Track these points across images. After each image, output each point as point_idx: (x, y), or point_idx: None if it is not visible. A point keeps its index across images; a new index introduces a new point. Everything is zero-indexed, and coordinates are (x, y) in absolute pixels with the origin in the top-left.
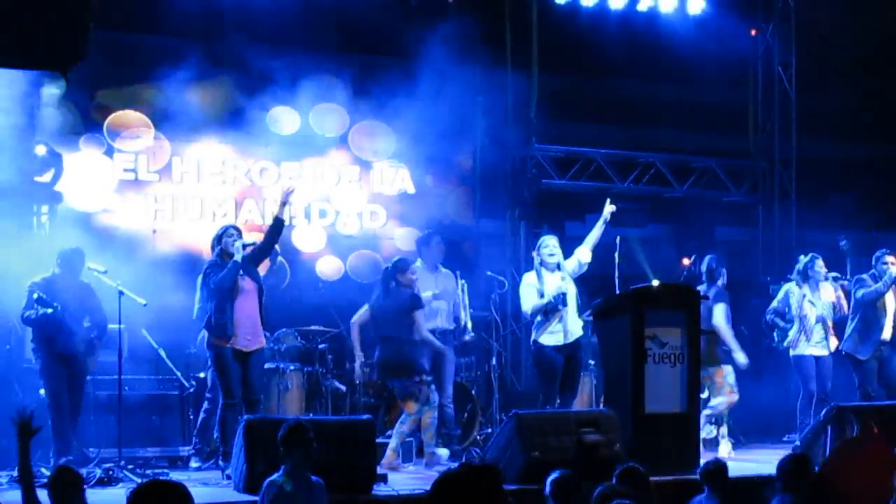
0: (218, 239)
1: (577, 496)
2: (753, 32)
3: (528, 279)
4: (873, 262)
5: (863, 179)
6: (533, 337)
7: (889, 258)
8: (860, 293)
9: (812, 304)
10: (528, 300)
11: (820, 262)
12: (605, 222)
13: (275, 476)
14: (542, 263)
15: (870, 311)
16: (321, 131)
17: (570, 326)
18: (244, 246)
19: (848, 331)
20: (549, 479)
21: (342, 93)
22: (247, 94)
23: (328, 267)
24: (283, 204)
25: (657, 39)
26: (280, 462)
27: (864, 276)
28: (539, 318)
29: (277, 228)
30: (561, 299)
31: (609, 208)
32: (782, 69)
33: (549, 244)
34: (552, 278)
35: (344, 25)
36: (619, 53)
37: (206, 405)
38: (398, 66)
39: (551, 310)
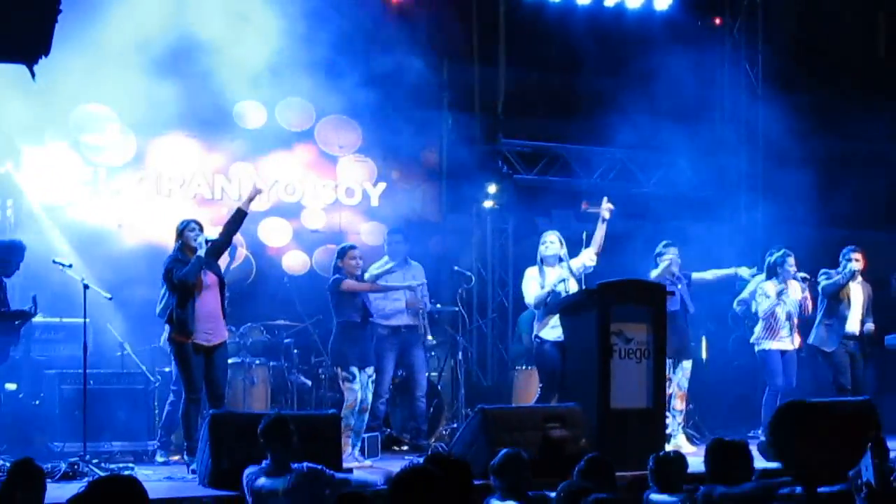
0: (179, 233)
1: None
2: (717, 21)
3: (530, 273)
4: (841, 258)
5: (831, 175)
6: (535, 332)
7: (854, 254)
8: (822, 285)
9: (780, 300)
10: (531, 292)
11: (791, 259)
12: (605, 221)
13: (254, 467)
14: (542, 258)
15: (833, 303)
16: (287, 125)
17: None
18: (207, 241)
19: (814, 325)
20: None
21: (309, 87)
22: (213, 88)
23: (294, 261)
24: (250, 199)
25: (624, 35)
26: (251, 456)
27: (831, 270)
28: (541, 311)
29: (239, 220)
30: (564, 288)
31: (607, 206)
32: (749, 65)
33: (546, 239)
34: (553, 272)
35: (313, 19)
36: (587, 49)
37: (170, 398)
38: (365, 60)
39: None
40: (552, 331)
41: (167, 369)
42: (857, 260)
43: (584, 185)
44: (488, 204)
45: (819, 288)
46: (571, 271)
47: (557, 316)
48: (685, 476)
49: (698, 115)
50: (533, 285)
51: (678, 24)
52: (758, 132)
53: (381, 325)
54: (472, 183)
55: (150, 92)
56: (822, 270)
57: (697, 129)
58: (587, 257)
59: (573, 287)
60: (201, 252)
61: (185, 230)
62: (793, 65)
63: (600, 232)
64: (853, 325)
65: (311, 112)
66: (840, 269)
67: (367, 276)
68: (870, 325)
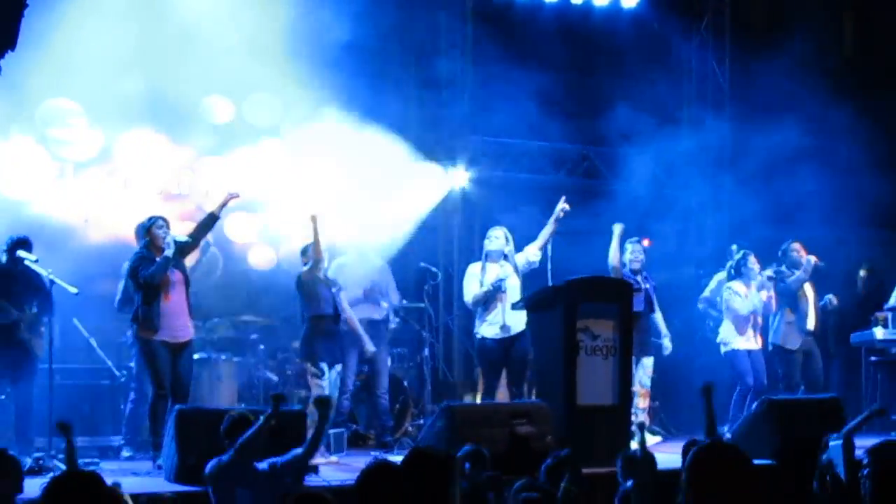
0: (146, 230)
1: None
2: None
3: (472, 269)
4: (780, 255)
5: (799, 171)
6: (475, 329)
7: (795, 245)
8: (782, 284)
9: (744, 300)
10: (470, 290)
11: (752, 259)
12: (557, 220)
13: (222, 458)
14: (487, 253)
15: (794, 301)
16: (255, 121)
17: (510, 319)
18: (175, 241)
19: (775, 323)
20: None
21: (276, 83)
22: (180, 83)
23: (260, 257)
24: (223, 204)
25: (592, 32)
26: (218, 451)
27: (781, 268)
28: (479, 308)
29: (211, 224)
30: (498, 286)
31: (562, 205)
32: (716, 63)
33: (492, 234)
34: (494, 268)
35: (283, 13)
36: (554, 46)
37: (132, 395)
38: (333, 55)
39: (490, 299)
40: (490, 327)
41: (132, 364)
42: (799, 250)
43: (551, 181)
44: (455, 199)
45: (777, 288)
46: (516, 268)
47: (495, 313)
48: (656, 472)
49: (666, 112)
50: (473, 283)
51: (646, 21)
52: (725, 129)
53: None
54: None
55: (116, 87)
56: (775, 270)
57: (665, 126)
58: (530, 253)
59: (515, 283)
60: (169, 252)
61: (153, 227)
62: (760, 63)
63: (549, 228)
64: (811, 321)
65: (278, 108)
66: (786, 264)
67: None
68: (833, 300)
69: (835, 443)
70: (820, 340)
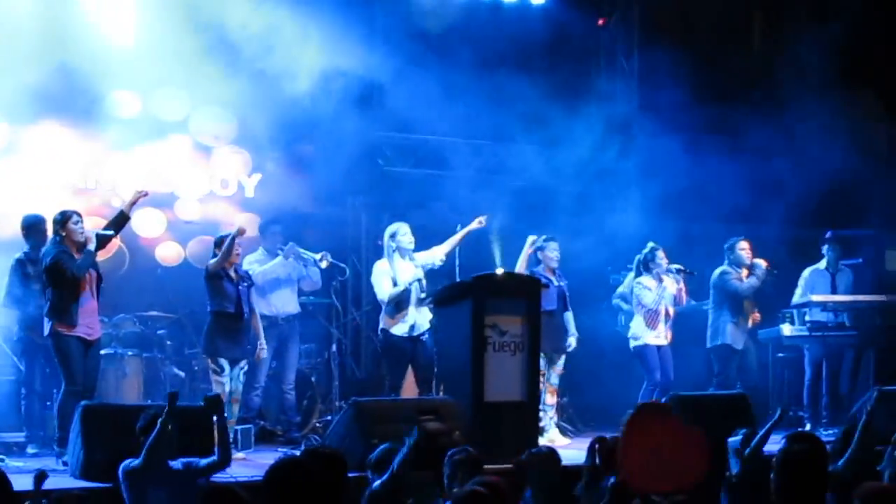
0: (61, 224)
1: None
2: (601, 22)
3: (382, 266)
4: (727, 251)
5: (707, 168)
6: (381, 325)
7: (742, 243)
8: (730, 286)
9: (653, 294)
10: (384, 288)
11: (661, 254)
12: (468, 231)
13: (133, 462)
14: (397, 250)
15: (738, 302)
16: (162, 115)
17: (419, 318)
18: (100, 236)
19: (717, 323)
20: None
21: (184, 77)
22: (87, 76)
23: (168, 252)
24: (133, 203)
25: (500, 28)
26: (124, 447)
27: (725, 267)
28: (390, 307)
29: (122, 223)
30: (420, 286)
31: (477, 223)
32: (625, 59)
33: (400, 230)
34: (406, 265)
35: (188, 8)
36: (462, 42)
37: (23, 391)
38: (241, 49)
39: (405, 298)
40: (400, 325)
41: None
42: (745, 249)
43: (460, 178)
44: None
45: (727, 288)
46: (423, 267)
47: (407, 312)
48: (559, 470)
49: (575, 108)
50: (385, 281)
51: (554, 17)
52: (633, 126)
53: (260, 314)
54: (347, 175)
55: (22, 80)
56: (722, 269)
57: (574, 121)
58: (437, 256)
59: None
60: (92, 246)
61: (69, 222)
62: (669, 59)
63: (459, 237)
64: (749, 320)
65: (185, 102)
66: (732, 261)
67: (252, 271)
68: (756, 316)
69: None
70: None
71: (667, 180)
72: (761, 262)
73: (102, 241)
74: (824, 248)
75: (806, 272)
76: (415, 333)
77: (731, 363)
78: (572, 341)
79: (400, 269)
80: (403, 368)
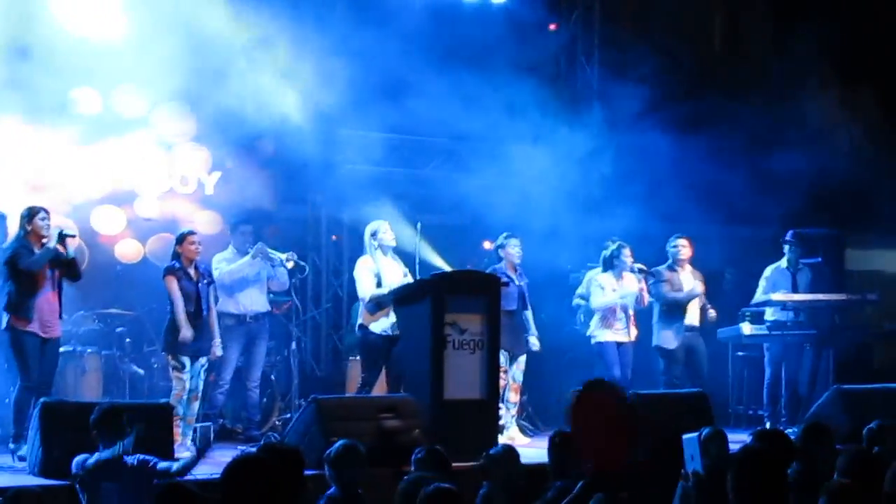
0: (28, 219)
1: None
2: (553, 27)
3: (366, 263)
4: (668, 250)
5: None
6: (360, 321)
7: (680, 241)
8: (661, 291)
9: (611, 292)
10: (367, 286)
11: (627, 251)
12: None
13: (88, 458)
14: (379, 247)
15: (670, 304)
16: (123, 112)
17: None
18: (63, 235)
19: (653, 322)
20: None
21: (144, 74)
22: (47, 73)
23: (127, 250)
24: (64, 246)
25: (461, 28)
26: (83, 444)
27: (660, 268)
28: (371, 305)
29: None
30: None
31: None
32: (585, 59)
33: (387, 228)
34: (390, 263)
35: (149, 5)
36: (423, 41)
37: None
38: (202, 46)
39: (387, 300)
40: (379, 323)
41: None
42: (683, 246)
43: (417, 175)
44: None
45: (653, 292)
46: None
47: (389, 310)
48: (520, 468)
49: (534, 107)
50: (367, 278)
51: (515, 16)
52: (594, 124)
53: (228, 314)
54: (307, 172)
55: None
56: (652, 270)
57: (534, 121)
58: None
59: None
60: (52, 244)
61: (36, 218)
62: (629, 57)
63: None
64: (692, 317)
65: (146, 99)
66: (671, 261)
67: (216, 273)
68: (711, 313)
69: (688, 436)
70: (704, 333)
71: (626, 180)
72: (683, 253)
73: (64, 240)
74: (785, 248)
75: (767, 271)
76: (394, 333)
77: (671, 363)
78: (534, 341)
79: (385, 267)
80: (379, 367)
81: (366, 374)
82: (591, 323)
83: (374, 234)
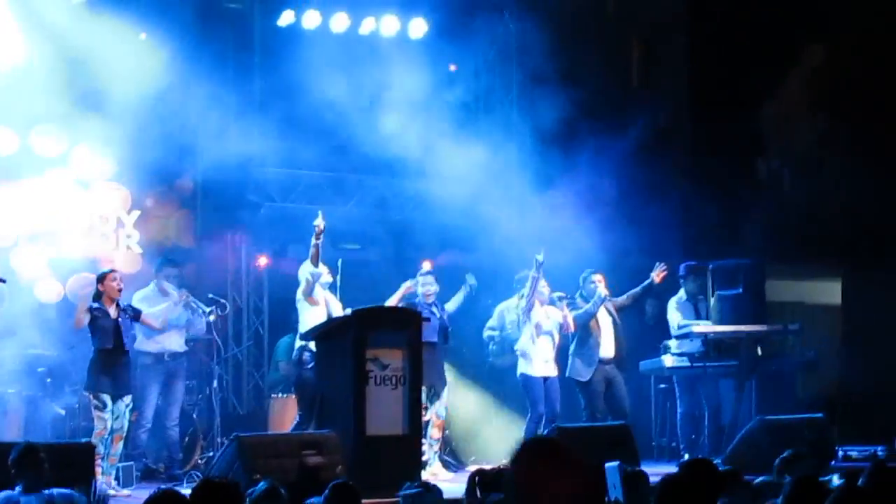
0: None
1: None
2: (452, 68)
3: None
4: (581, 283)
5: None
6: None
7: (595, 276)
8: (574, 314)
9: (537, 324)
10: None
11: (542, 282)
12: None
13: (11, 493)
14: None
15: (584, 332)
16: (41, 152)
17: None
18: None
19: (570, 354)
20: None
21: (63, 113)
22: None
23: (47, 291)
24: None
25: (379, 62)
26: (3, 484)
27: (575, 297)
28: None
29: None
30: None
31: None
32: (504, 93)
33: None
34: (335, 301)
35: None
36: (342, 76)
37: None
38: (120, 85)
39: None
40: None
41: None
42: (599, 282)
43: (343, 213)
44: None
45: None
46: None
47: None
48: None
49: (456, 142)
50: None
51: (433, 51)
52: (513, 160)
53: (146, 353)
54: (227, 210)
55: None
56: (568, 299)
57: (457, 156)
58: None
59: None
60: None
61: None
62: (547, 92)
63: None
64: (607, 349)
65: (65, 138)
66: (583, 293)
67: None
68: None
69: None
70: (621, 366)
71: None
72: (602, 292)
73: None
74: (681, 281)
75: (672, 303)
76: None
77: (592, 397)
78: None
79: (333, 302)
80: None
81: (303, 413)
82: (517, 351)
83: (313, 275)
